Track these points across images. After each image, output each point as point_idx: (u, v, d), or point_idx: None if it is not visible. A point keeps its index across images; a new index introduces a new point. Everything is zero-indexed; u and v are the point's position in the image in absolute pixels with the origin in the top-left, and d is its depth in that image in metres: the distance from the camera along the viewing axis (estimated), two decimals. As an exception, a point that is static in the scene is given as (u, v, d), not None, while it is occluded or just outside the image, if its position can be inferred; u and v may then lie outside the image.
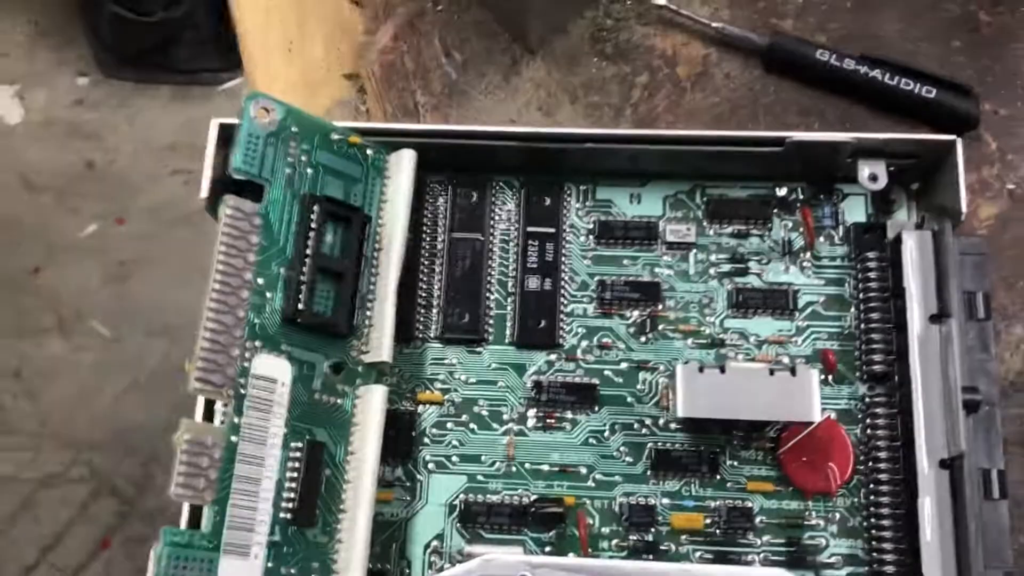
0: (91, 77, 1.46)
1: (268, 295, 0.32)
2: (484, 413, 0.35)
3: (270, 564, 0.30)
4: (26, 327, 1.35)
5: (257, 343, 0.31)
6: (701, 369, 0.32)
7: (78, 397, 1.30)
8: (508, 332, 0.36)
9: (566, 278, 0.36)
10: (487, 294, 0.36)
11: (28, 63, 1.48)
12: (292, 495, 0.31)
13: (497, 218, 0.37)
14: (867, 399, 0.34)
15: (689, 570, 0.30)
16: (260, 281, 0.31)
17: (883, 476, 0.33)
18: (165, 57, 1.39)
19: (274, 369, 0.31)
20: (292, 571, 0.30)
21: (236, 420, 0.30)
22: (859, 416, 0.34)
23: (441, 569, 0.33)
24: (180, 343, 1.31)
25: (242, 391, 0.30)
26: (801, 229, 0.36)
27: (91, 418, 1.29)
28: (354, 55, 0.41)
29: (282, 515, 0.30)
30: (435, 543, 0.34)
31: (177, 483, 0.28)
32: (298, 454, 0.31)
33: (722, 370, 0.32)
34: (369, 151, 0.35)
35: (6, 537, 1.25)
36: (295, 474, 0.31)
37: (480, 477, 0.34)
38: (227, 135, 0.35)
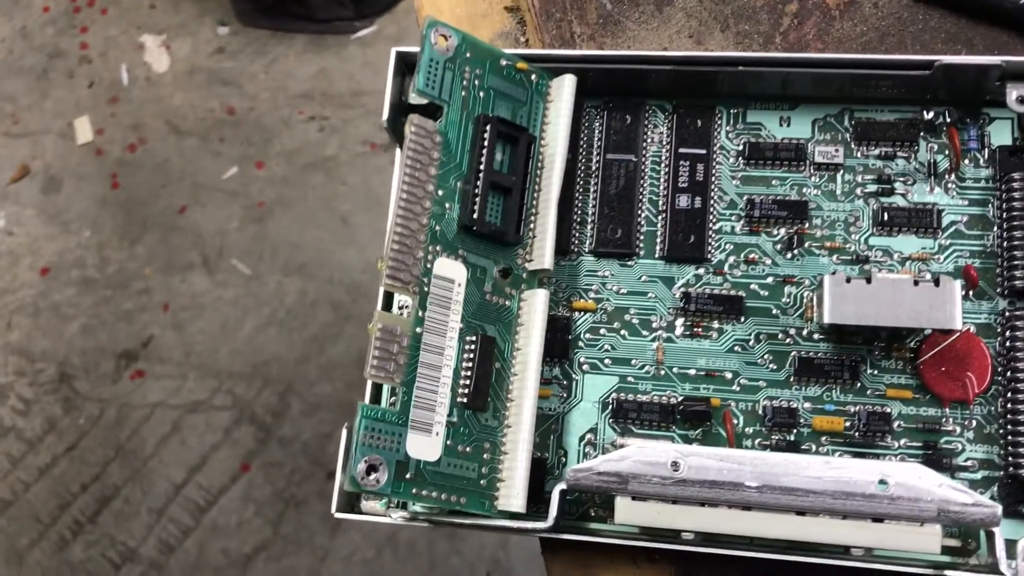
0: (231, 27, 1.54)
1: (447, 205, 0.35)
2: (635, 321, 0.38)
3: (448, 442, 0.33)
4: (174, 263, 1.44)
5: (438, 247, 0.34)
6: (848, 280, 0.34)
7: (220, 330, 1.39)
8: (658, 247, 0.38)
9: (715, 197, 0.38)
10: (639, 211, 0.39)
11: (174, 14, 1.56)
12: (467, 382, 0.34)
13: (649, 140, 0.39)
14: (1007, 314, 0.35)
15: (830, 462, 0.32)
16: (440, 193, 0.35)
17: (1021, 386, 0.34)
18: (301, 6, 1.44)
19: (452, 271, 0.35)
20: (467, 449, 0.34)
21: (420, 314, 0.33)
22: (998, 330, 0.36)
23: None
24: (315, 280, 1.38)
25: (425, 288, 0.34)
26: (947, 151, 0.37)
27: (232, 350, 1.38)
28: (514, -12, 0.43)
29: (459, 399, 0.34)
30: (589, 436, 0.37)
31: (372, 365, 0.32)
32: (472, 347, 0.34)
33: (868, 280, 0.34)
34: (534, 76, 0.38)
35: (157, 457, 1.35)
36: (470, 364, 0.34)
37: (631, 378, 0.37)
38: (405, 63, 0.38)
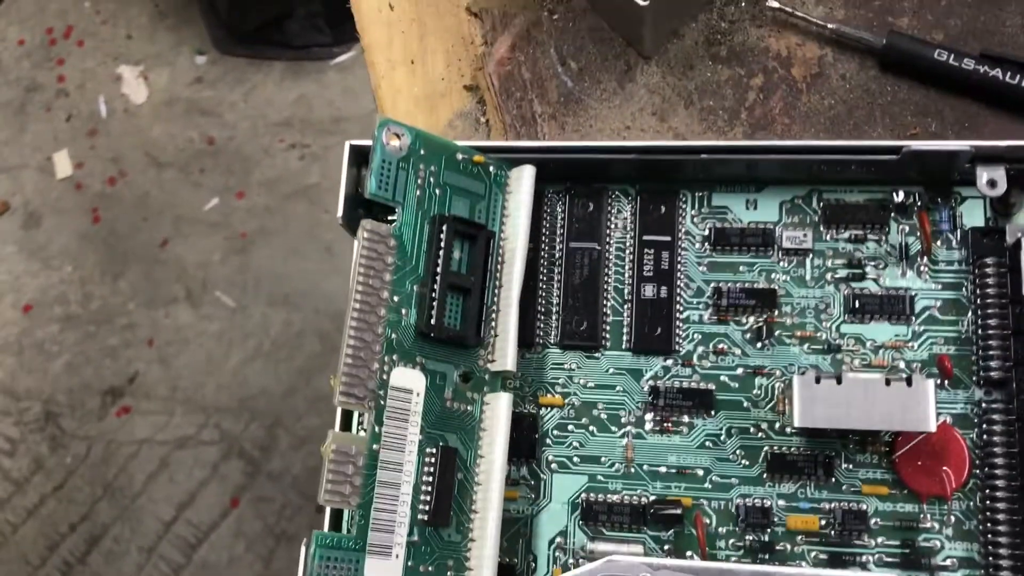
0: (208, 55, 1.52)
1: (403, 311, 0.34)
2: (603, 416, 0.37)
3: (410, 563, 0.32)
4: (157, 298, 1.42)
5: (394, 356, 0.33)
6: (818, 380, 0.33)
7: (206, 364, 1.38)
8: (625, 338, 0.37)
9: (681, 285, 0.37)
10: (604, 301, 0.38)
11: (150, 44, 1.55)
12: (428, 498, 0.33)
13: (613, 227, 0.38)
14: (983, 404, 0.35)
15: (805, 573, 0.31)
16: (396, 299, 0.34)
17: (999, 482, 0.33)
18: (278, 33, 1.43)
19: (410, 380, 0.33)
20: (430, 569, 0.33)
21: (377, 429, 0.32)
22: (975, 421, 0.35)
23: (565, 564, 0.35)
24: (300, 311, 1.37)
25: (381, 402, 0.33)
26: (918, 234, 0.36)
27: (219, 384, 1.37)
28: (473, 67, 0.42)
29: (419, 516, 0.33)
30: (559, 539, 0.36)
31: (326, 490, 0.31)
32: (432, 459, 0.33)
33: (838, 380, 0.33)
34: (491, 168, 0.37)
35: (146, 495, 1.33)
36: (430, 478, 0.33)
37: (600, 477, 0.36)
38: (360, 155, 0.37)
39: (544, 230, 0.38)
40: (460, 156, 0.36)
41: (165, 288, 1.43)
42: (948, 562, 0.34)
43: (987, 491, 0.34)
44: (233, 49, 1.49)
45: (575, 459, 0.37)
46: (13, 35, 1.57)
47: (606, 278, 0.38)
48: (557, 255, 0.38)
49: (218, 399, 1.36)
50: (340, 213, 0.37)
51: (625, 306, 0.38)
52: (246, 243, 1.43)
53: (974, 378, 0.35)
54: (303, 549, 0.34)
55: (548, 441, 0.37)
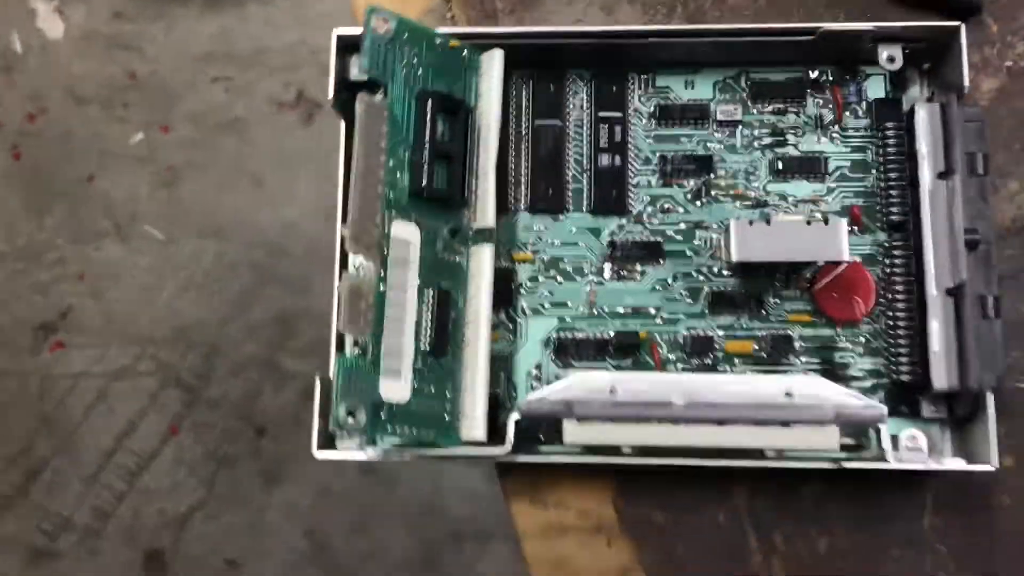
0: (127, -10, 1.51)
1: (398, 174, 0.39)
2: (569, 268, 0.43)
3: (416, 385, 0.38)
4: (86, 232, 1.42)
5: (392, 212, 0.38)
6: (751, 223, 0.39)
7: (139, 296, 1.39)
8: (585, 202, 0.43)
9: (632, 155, 0.43)
10: (567, 171, 0.43)
11: (65, -22, 1.52)
12: (428, 331, 0.38)
13: (572, 106, 0.44)
14: (886, 244, 0.41)
15: (744, 379, 0.38)
16: (391, 163, 0.39)
17: (900, 305, 0.40)
18: (198, -34, 1.43)
19: (407, 232, 0.39)
20: (432, 390, 0.38)
21: (383, 273, 0.38)
22: (880, 259, 0.42)
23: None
24: (231, 242, 1.39)
25: (385, 251, 0.38)
26: (830, 105, 0.43)
27: (153, 316, 1.39)
28: (439, -32, 0.47)
29: (422, 348, 0.38)
30: (535, 371, 0.42)
31: (344, 321, 0.36)
32: (430, 300, 0.39)
33: (767, 222, 0.39)
34: (465, 52, 0.42)
35: (86, 426, 1.35)
36: (430, 315, 0.39)
37: (568, 319, 0.42)
38: (343, 43, 0.42)
39: (512, 110, 0.44)
40: (438, 41, 0.41)
41: (93, 223, 1.43)
42: (859, 374, 0.41)
43: (890, 314, 0.41)
44: (151, -17, 1.48)
45: (546, 305, 0.42)
46: (-85, -31, 1.53)
47: (568, 150, 0.43)
48: (524, 131, 0.44)
49: (153, 331, 1.38)
50: (330, 96, 0.41)
51: (584, 174, 0.43)
52: (173, 177, 1.44)
53: (878, 224, 0.42)
54: (317, 382, 0.39)
55: (522, 291, 0.43)
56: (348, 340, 0.40)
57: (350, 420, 0.35)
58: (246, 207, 1.41)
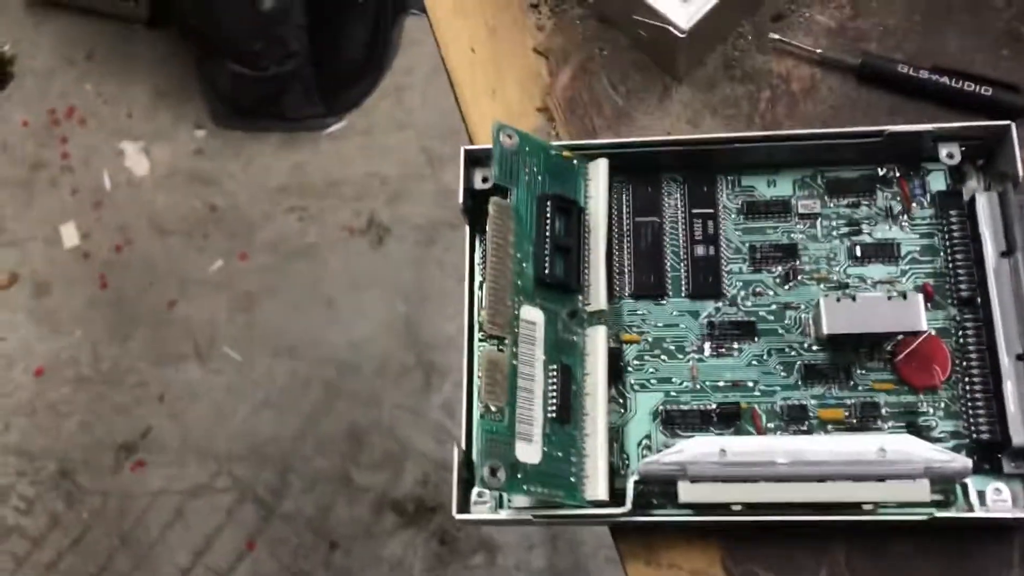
0: (207, 129, 1.63)
1: (524, 265, 0.45)
2: (671, 347, 0.48)
3: (545, 448, 0.43)
4: (166, 355, 1.50)
5: (520, 297, 0.44)
6: (839, 299, 0.44)
7: (216, 415, 1.45)
8: (683, 287, 0.49)
9: (724, 245, 0.49)
10: (665, 260, 0.49)
11: (151, 121, 1.65)
12: (554, 401, 0.43)
13: (667, 205, 0.50)
14: (958, 318, 0.46)
15: (841, 439, 0.42)
16: (518, 255, 0.45)
17: (975, 371, 0.45)
18: (275, 107, 1.54)
19: (533, 315, 0.44)
20: (559, 453, 0.43)
21: (514, 350, 0.43)
22: (953, 332, 0.46)
23: (653, 458, 0.46)
24: (304, 361, 1.45)
25: (516, 330, 0.43)
26: (899, 198, 0.48)
27: (229, 434, 1.44)
28: (542, 94, 0.54)
29: (549, 415, 0.43)
30: (645, 441, 0.46)
31: (485, 391, 0.41)
32: (554, 374, 0.44)
33: (853, 299, 0.44)
34: (575, 162, 0.48)
35: (163, 543, 1.39)
36: (554, 386, 0.44)
37: (673, 392, 0.47)
38: (470, 157, 0.48)
39: (614, 210, 0.50)
40: (553, 152, 0.47)
41: (173, 346, 1.50)
42: (941, 435, 0.45)
43: (966, 381, 0.45)
44: (231, 123, 1.59)
45: (652, 381, 0.47)
46: (17, 117, 1.66)
47: (666, 243, 0.49)
48: (626, 228, 0.50)
49: (229, 448, 1.43)
50: (460, 201, 0.48)
51: (682, 263, 0.49)
52: (250, 301, 1.51)
53: (949, 300, 0.47)
54: (456, 449, 0.44)
55: (629, 369, 0.48)
56: (478, 409, 0.45)
57: (493, 478, 0.40)
58: (317, 327, 1.48)
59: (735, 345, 0.47)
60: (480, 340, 0.45)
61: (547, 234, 0.46)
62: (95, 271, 1.56)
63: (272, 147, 1.60)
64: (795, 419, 0.46)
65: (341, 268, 1.51)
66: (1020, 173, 0.45)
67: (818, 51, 0.53)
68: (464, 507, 0.45)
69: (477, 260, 0.49)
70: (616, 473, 0.46)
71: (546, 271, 0.45)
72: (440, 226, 1.51)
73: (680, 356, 0.48)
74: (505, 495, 0.45)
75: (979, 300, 0.46)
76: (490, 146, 0.46)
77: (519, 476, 0.41)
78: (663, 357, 0.48)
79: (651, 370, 0.47)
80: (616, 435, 0.46)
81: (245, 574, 1.36)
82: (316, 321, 1.49)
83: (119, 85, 1.67)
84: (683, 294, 0.48)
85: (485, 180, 0.48)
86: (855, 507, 0.42)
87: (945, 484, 0.43)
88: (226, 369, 1.48)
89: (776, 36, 0.53)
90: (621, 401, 0.47)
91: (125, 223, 1.58)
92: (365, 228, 1.52)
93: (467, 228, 0.49)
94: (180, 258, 1.55)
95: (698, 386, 0.47)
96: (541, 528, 1.32)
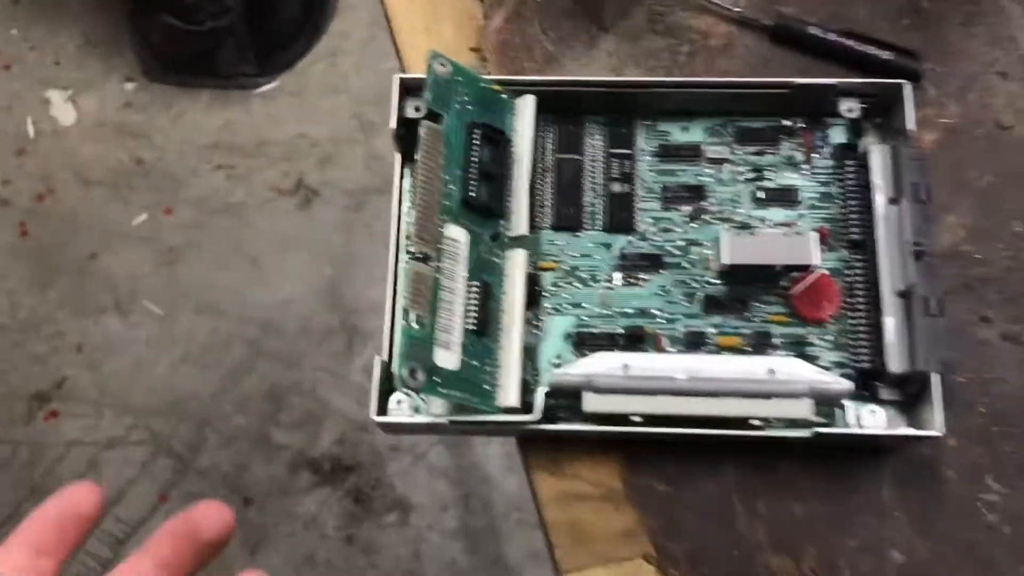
0: (137, 83, 1.61)
1: (451, 187, 0.47)
2: (585, 276, 0.51)
3: (463, 357, 0.45)
4: (85, 307, 1.48)
5: (446, 217, 0.47)
6: (739, 234, 0.48)
7: (134, 369, 1.45)
8: (600, 221, 0.52)
9: (639, 184, 0.52)
10: (584, 195, 0.52)
11: (79, 71, 1.63)
12: (473, 314, 0.46)
13: (588, 144, 0.53)
14: (848, 260, 0.50)
15: (735, 360, 0.46)
16: (446, 177, 0.47)
17: (860, 308, 0.49)
18: (208, 63, 1.54)
19: (457, 234, 0.47)
20: (475, 363, 0.46)
21: (438, 265, 0.45)
22: (843, 272, 0.50)
23: (563, 376, 0.49)
24: (227, 318, 1.46)
25: (440, 247, 0.46)
26: (801, 148, 0.52)
27: (147, 388, 1.44)
28: (476, 34, 0.57)
29: (468, 327, 0.46)
30: (556, 360, 0.49)
31: (409, 300, 0.44)
32: (475, 290, 0.47)
33: (752, 234, 0.48)
34: (504, 96, 0.51)
35: (74, 494, 1.38)
36: (475, 301, 0.46)
37: (584, 317, 0.50)
38: (404, 85, 0.51)
39: (538, 146, 0.53)
40: (483, 84, 0.50)
41: (93, 298, 1.49)
42: (827, 365, 0.49)
43: (851, 317, 0.49)
44: (162, 77, 1.58)
45: (566, 306, 0.50)
46: (-64, 59, 1.62)
47: (585, 179, 0.52)
48: (550, 164, 0.53)
49: (147, 402, 1.43)
50: (392, 126, 0.50)
51: (599, 199, 0.52)
52: (174, 256, 1.51)
53: (841, 243, 0.51)
54: (377, 360, 0.47)
55: (545, 294, 0.51)
56: (401, 317, 0.47)
57: (412, 379, 0.42)
58: (242, 285, 1.48)
59: (643, 276, 0.51)
60: (407, 254, 0.47)
61: (474, 160, 0.48)
62: (15, 219, 1.53)
63: (203, 104, 1.59)
64: (695, 345, 0.49)
65: (267, 228, 1.52)
66: (911, 127, 0.49)
67: (736, 10, 0.56)
68: (383, 412, 0.47)
69: (406, 188, 0.51)
70: (528, 389, 0.48)
71: (471, 194, 0.48)
72: (369, 192, 1.53)
73: (592, 284, 0.51)
74: (422, 403, 0.47)
75: (868, 243, 0.50)
76: (424, 75, 0.48)
77: (437, 380, 0.44)
78: (577, 284, 0.51)
79: (565, 296, 0.51)
80: (530, 354, 0.49)
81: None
82: (240, 280, 1.49)
83: (47, 31, 1.64)
84: (599, 227, 0.52)
85: (417, 110, 0.51)
86: (745, 424, 0.46)
87: (828, 406, 0.47)
88: (146, 323, 1.47)
89: (698, -6, 0.57)
90: (536, 324, 0.50)
91: (48, 172, 1.56)
92: (293, 190, 1.53)
93: (398, 156, 0.51)
94: (104, 210, 1.54)
95: (608, 312, 0.50)
96: (454, 488, 1.35)
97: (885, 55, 0.54)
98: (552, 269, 0.51)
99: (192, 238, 1.51)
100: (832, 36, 0.55)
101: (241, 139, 1.57)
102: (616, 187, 0.52)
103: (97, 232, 1.52)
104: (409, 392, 0.46)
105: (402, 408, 0.47)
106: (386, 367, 0.47)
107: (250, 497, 1.36)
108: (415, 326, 0.44)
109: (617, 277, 0.51)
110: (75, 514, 0.33)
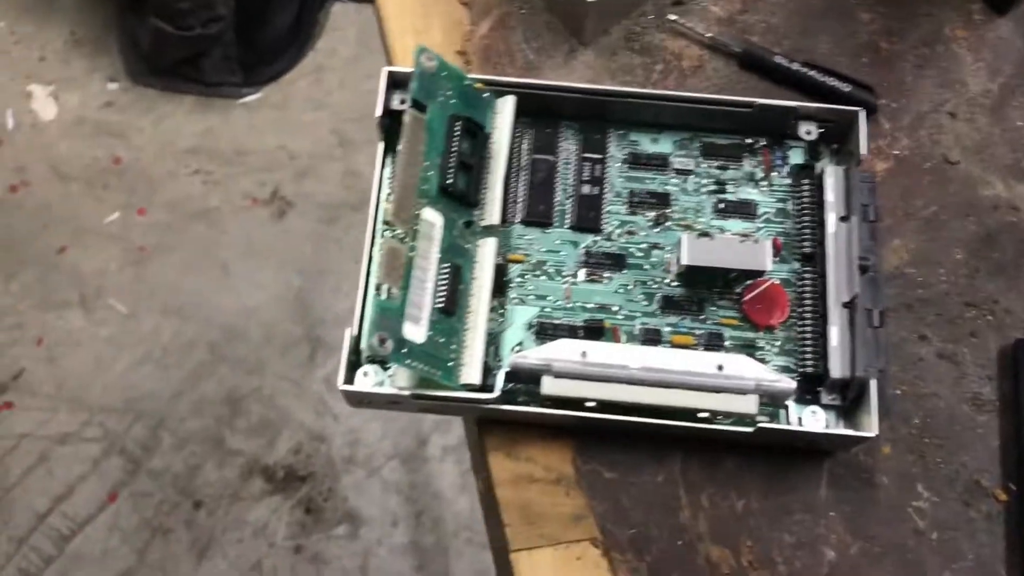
0: (121, 83, 1.63)
1: (430, 173, 0.50)
2: (551, 270, 0.53)
3: (430, 333, 0.47)
4: (50, 300, 1.48)
5: (424, 200, 0.49)
6: (699, 237, 0.51)
7: (94, 365, 1.44)
8: (568, 219, 0.54)
9: (608, 188, 0.55)
10: (555, 194, 0.55)
11: (64, 68, 1.64)
12: (443, 294, 0.48)
13: (563, 147, 0.56)
14: (799, 271, 0.53)
15: (686, 354, 0.49)
16: (426, 163, 0.50)
17: (808, 317, 0.52)
18: (194, 69, 1.56)
19: (433, 217, 0.49)
20: (441, 339, 0.48)
21: (413, 244, 0.48)
22: (794, 282, 0.53)
23: (523, 362, 0.51)
24: (192, 321, 1.46)
25: (415, 228, 0.48)
26: (762, 166, 0.55)
27: (105, 385, 1.43)
28: (462, 39, 0.60)
29: (437, 305, 0.48)
30: (518, 348, 0.52)
31: (383, 273, 0.46)
32: (446, 271, 0.49)
33: (710, 239, 0.51)
34: (485, 95, 0.54)
35: (22, 487, 1.37)
36: (444, 282, 0.49)
37: (547, 308, 0.53)
38: (391, 79, 0.53)
39: (515, 145, 0.55)
40: (467, 81, 0.53)
41: (58, 292, 1.49)
42: (774, 368, 0.52)
43: (800, 322, 0.52)
44: (146, 80, 1.60)
45: (530, 297, 0.53)
46: (-79, 46, 1.63)
47: (557, 179, 0.55)
48: (524, 162, 0.55)
49: (104, 399, 1.43)
50: (378, 115, 0.53)
51: (569, 199, 0.55)
52: (143, 256, 1.52)
53: (794, 256, 0.54)
54: (347, 333, 0.49)
55: (512, 284, 0.53)
56: (373, 289, 0.49)
57: (380, 347, 0.45)
58: (209, 290, 1.49)
59: (606, 274, 0.53)
60: (383, 231, 0.49)
61: (454, 150, 0.51)
62: (-15, 208, 1.53)
63: (185, 109, 1.61)
64: (650, 341, 0.52)
65: (240, 236, 1.53)
66: (863, 151, 0.52)
67: (708, 35, 0.60)
68: (350, 382, 0.49)
69: (386, 175, 0.54)
70: (490, 372, 0.51)
71: (449, 181, 0.50)
72: (343, 207, 1.55)
73: (558, 278, 0.53)
74: (388, 378, 0.50)
75: (817, 256, 0.53)
76: (411, 69, 0.51)
77: (404, 351, 0.46)
78: (542, 277, 0.53)
79: (531, 287, 0.53)
80: (493, 340, 0.52)
81: (104, 525, 1.35)
82: (208, 284, 1.50)
83: (35, 26, 1.66)
84: (567, 225, 0.54)
85: (403, 102, 0.53)
86: (693, 416, 0.48)
87: (772, 407, 0.50)
88: (110, 320, 1.48)
89: (674, 18, 0.60)
90: (501, 312, 0.52)
91: (24, 164, 1.56)
92: (268, 200, 1.55)
93: (381, 144, 0.54)
94: (77, 205, 1.54)
95: (570, 305, 0.53)
96: (406, 504, 1.36)
97: (844, 87, 0.58)
98: (521, 261, 0.53)
99: (163, 240, 1.52)
100: (796, 66, 0.58)
101: (221, 146, 1.59)
102: (586, 189, 0.55)
103: (68, 227, 1.52)
104: (377, 361, 0.48)
105: (367, 382, 0.49)
106: (355, 341, 0.49)
107: (200, 500, 1.36)
108: (385, 297, 0.46)
109: (581, 273, 0.53)
110: None
